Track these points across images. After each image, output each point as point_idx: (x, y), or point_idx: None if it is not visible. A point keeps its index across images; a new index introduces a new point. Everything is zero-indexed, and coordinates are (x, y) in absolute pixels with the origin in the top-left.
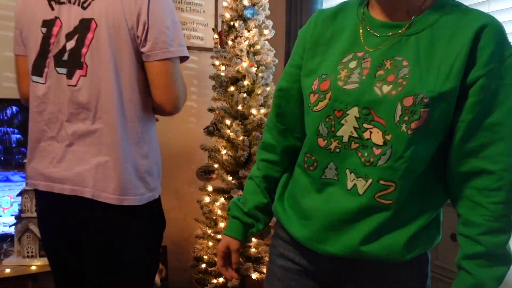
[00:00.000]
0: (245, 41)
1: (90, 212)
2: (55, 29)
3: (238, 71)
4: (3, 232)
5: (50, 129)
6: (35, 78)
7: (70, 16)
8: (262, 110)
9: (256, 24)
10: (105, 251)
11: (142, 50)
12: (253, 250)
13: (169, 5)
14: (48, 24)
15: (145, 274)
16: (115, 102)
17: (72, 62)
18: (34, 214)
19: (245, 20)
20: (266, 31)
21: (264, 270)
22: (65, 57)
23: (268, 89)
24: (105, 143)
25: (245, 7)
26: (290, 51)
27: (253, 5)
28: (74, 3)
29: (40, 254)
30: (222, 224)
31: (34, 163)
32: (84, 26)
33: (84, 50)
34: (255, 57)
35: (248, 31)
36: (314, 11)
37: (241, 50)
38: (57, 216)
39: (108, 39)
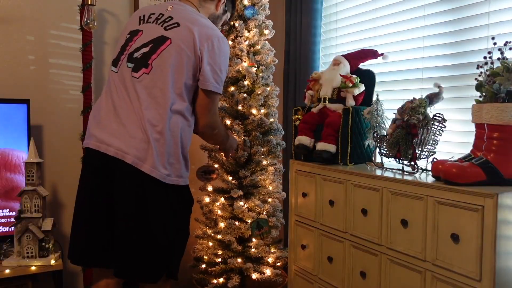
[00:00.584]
0: (245, 41)
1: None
2: (135, 37)
3: (238, 71)
4: (3, 232)
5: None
6: (112, 68)
7: (150, 31)
8: (262, 110)
9: (256, 24)
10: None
11: (200, 77)
12: (253, 250)
13: (226, 54)
14: (133, 33)
15: (169, 248)
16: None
17: (141, 62)
18: (34, 215)
19: (245, 20)
20: (266, 31)
21: (264, 270)
22: (137, 56)
23: (268, 89)
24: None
25: (245, 7)
26: (290, 51)
27: (253, 5)
28: (158, 24)
29: (40, 255)
30: (222, 224)
31: None
32: (160, 40)
33: (154, 56)
34: (255, 57)
35: (248, 31)
36: (314, 11)
37: (241, 50)
38: None
39: (174, 55)
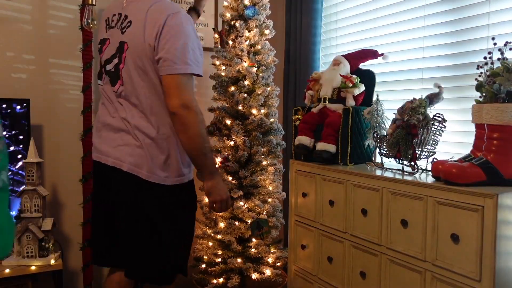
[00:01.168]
0: (245, 41)
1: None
2: (104, 47)
3: (238, 71)
4: None
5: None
6: (98, 81)
7: (114, 39)
8: (263, 110)
9: (257, 24)
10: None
11: (159, 66)
12: (253, 250)
13: (183, 29)
14: (102, 42)
15: (175, 248)
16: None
17: (115, 74)
18: (34, 214)
19: (245, 19)
20: (267, 31)
21: (264, 270)
22: (110, 69)
23: (268, 89)
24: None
25: (245, 7)
26: (290, 51)
27: (254, 4)
28: (117, 28)
29: (40, 254)
30: (222, 224)
31: None
32: (121, 47)
33: (121, 65)
34: (256, 57)
35: (249, 31)
36: (314, 11)
37: (242, 50)
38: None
39: (135, 58)
